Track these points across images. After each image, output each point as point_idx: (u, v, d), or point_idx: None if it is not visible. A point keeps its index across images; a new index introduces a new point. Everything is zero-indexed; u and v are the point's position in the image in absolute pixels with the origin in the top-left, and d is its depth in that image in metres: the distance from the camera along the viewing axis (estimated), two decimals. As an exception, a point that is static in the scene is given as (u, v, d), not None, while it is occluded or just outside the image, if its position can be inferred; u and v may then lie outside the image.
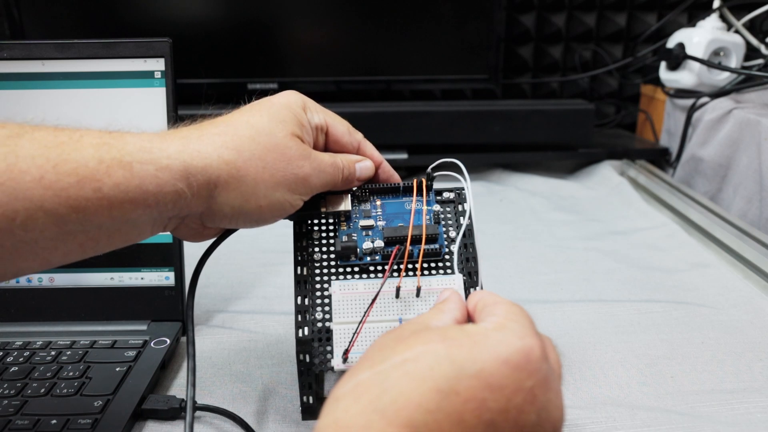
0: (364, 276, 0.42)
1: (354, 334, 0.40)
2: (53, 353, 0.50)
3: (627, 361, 0.53)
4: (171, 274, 0.56)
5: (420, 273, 0.42)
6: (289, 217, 0.43)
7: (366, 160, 0.44)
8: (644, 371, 0.51)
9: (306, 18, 1.05)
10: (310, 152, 0.40)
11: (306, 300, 0.42)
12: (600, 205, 0.94)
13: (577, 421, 0.45)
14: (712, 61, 0.99)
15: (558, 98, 1.26)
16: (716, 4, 1.01)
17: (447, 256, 0.43)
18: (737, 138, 0.90)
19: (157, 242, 0.55)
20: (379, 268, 0.43)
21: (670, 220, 0.85)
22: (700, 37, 0.99)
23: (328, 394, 0.30)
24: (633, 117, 1.25)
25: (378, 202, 0.45)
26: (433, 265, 0.43)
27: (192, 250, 0.51)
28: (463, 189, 0.46)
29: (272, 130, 0.38)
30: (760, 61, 1.02)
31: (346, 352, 0.39)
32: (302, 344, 0.40)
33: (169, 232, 0.40)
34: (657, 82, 1.11)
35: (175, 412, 0.45)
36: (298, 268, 0.43)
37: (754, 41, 1.04)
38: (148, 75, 0.53)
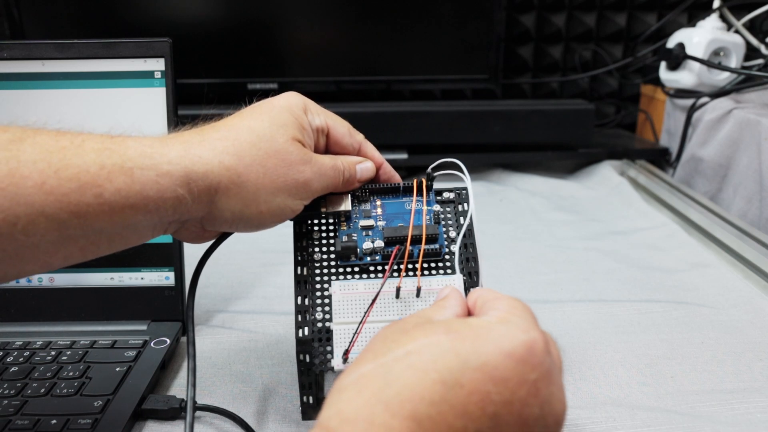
0: (365, 276, 0.42)
1: (354, 334, 0.40)
2: (53, 353, 0.50)
3: (627, 361, 0.53)
4: (171, 274, 0.56)
5: (420, 273, 0.42)
6: (296, 215, 0.43)
7: (367, 161, 0.44)
8: (644, 371, 0.51)
9: (306, 18, 1.05)
10: (310, 156, 0.40)
11: (306, 300, 0.42)
12: (600, 205, 0.94)
13: (577, 421, 0.45)
14: (712, 61, 0.99)
15: (558, 98, 1.26)
16: (716, 4, 1.01)
17: (447, 256, 0.43)
18: (737, 138, 0.90)
19: (157, 242, 0.55)
20: (379, 268, 0.43)
21: (670, 220, 0.85)
22: (700, 37, 0.99)
23: (331, 386, 0.30)
24: (633, 117, 1.25)
25: (378, 202, 0.45)
26: (433, 265, 0.43)
27: (192, 250, 0.51)
28: (463, 189, 0.46)
29: (273, 135, 0.38)
30: (760, 61, 1.02)
31: (346, 353, 0.39)
32: (302, 344, 0.40)
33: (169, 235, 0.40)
34: (657, 82, 1.11)
35: (175, 412, 0.45)
36: (298, 268, 0.43)
37: (754, 41, 1.04)
38: (148, 75, 0.53)
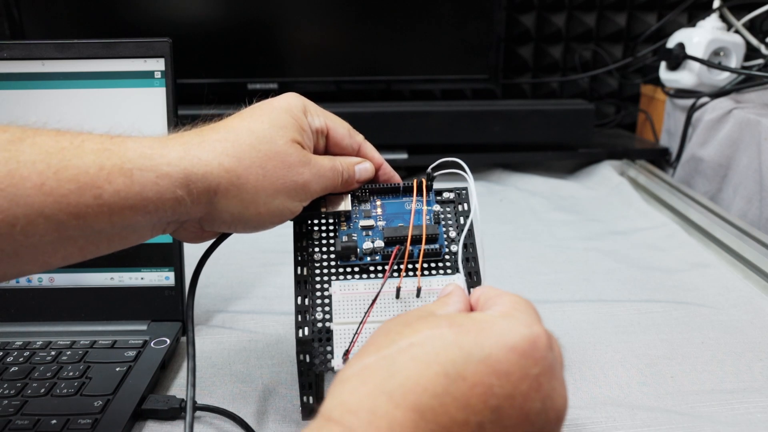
0: (365, 276, 0.42)
1: (354, 334, 0.40)
2: (53, 353, 0.50)
3: (627, 361, 0.53)
4: (171, 274, 0.56)
5: (420, 273, 0.42)
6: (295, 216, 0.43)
7: (365, 162, 0.44)
8: (644, 371, 0.51)
9: (306, 18, 1.05)
10: (309, 158, 0.40)
11: (306, 300, 0.42)
12: (600, 205, 0.94)
13: (577, 421, 0.45)
14: (712, 61, 0.99)
15: (558, 98, 1.26)
16: (716, 4, 1.01)
17: (447, 256, 0.43)
18: (737, 138, 0.90)
19: (157, 242, 0.55)
20: (380, 268, 0.43)
21: (670, 220, 0.85)
22: (700, 37, 0.99)
23: (334, 377, 0.30)
24: (633, 117, 1.25)
25: (378, 202, 0.45)
26: (433, 265, 0.43)
27: (192, 250, 0.51)
28: (462, 189, 0.46)
29: (273, 137, 0.38)
30: (760, 61, 1.02)
31: (346, 353, 0.39)
32: (302, 344, 0.40)
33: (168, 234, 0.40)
34: (657, 82, 1.11)
35: (175, 412, 0.45)
36: (299, 268, 0.43)
37: (754, 41, 1.04)
38: (148, 75, 0.53)
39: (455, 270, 0.43)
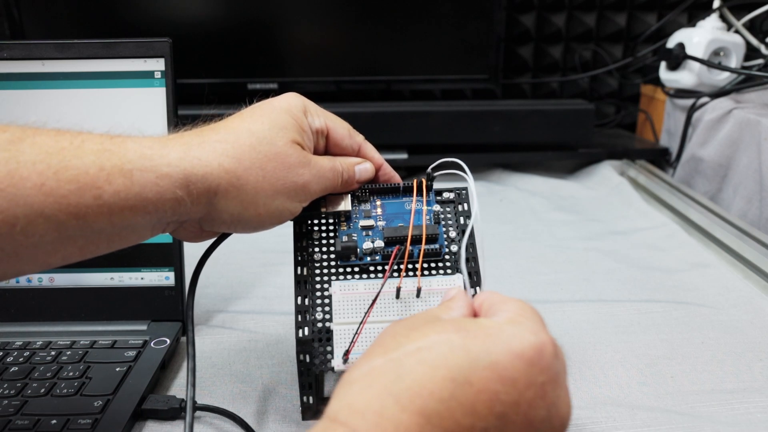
0: (365, 276, 0.42)
1: (354, 334, 0.40)
2: (53, 353, 0.50)
3: (627, 361, 0.53)
4: (171, 274, 0.56)
5: (420, 273, 0.42)
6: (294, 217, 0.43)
7: (365, 162, 0.44)
8: (644, 371, 0.51)
9: (306, 18, 1.05)
10: (309, 159, 0.40)
11: (306, 300, 0.42)
12: (600, 205, 0.94)
13: (577, 421, 0.45)
14: (712, 61, 0.99)
15: (558, 98, 1.26)
16: (716, 4, 1.01)
17: (447, 256, 0.43)
18: (737, 138, 0.90)
19: (157, 242, 0.55)
20: (380, 268, 0.43)
21: (670, 220, 0.85)
22: (700, 37, 0.99)
23: (340, 379, 0.30)
24: (633, 117, 1.25)
25: (378, 202, 0.45)
26: (433, 265, 0.43)
27: (192, 250, 0.51)
28: (462, 189, 0.46)
29: (273, 138, 0.38)
30: (760, 61, 1.02)
31: (346, 353, 0.39)
32: (302, 344, 0.40)
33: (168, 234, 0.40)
34: (657, 82, 1.11)
35: (175, 412, 0.45)
36: (299, 268, 0.43)
37: (754, 41, 1.04)
38: (148, 75, 0.53)
39: (455, 270, 0.43)
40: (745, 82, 1.00)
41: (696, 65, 0.99)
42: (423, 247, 0.42)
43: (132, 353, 0.50)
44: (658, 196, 0.94)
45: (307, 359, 0.40)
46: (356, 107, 1.00)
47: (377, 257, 0.43)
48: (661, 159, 1.10)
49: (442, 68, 1.09)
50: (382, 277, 0.42)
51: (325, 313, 0.41)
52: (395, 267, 0.42)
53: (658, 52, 1.09)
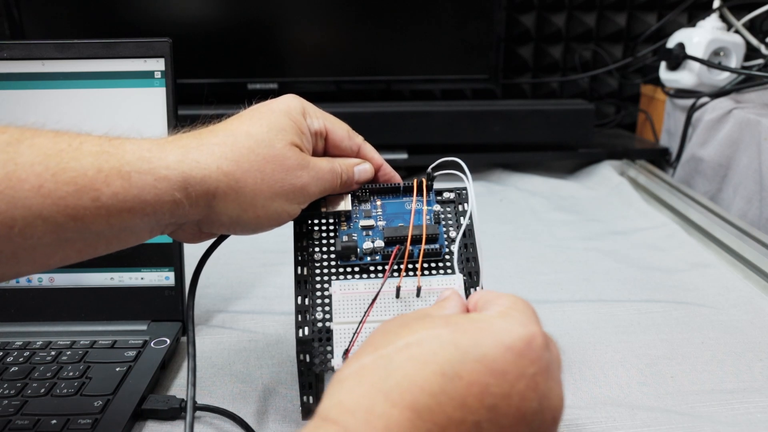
0: (365, 276, 0.42)
1: (354, 334, 0.40)
2: (53, 353, 0.50)
3: (627, 361, 0.53)
4: (171, 274, 0.56)
5: (420, 273, 0.42)
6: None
7: (364, 163, 0.44)
8: (644, 371, 0.51)
9: (306, 18, 1.05)
10: (308, 161, 0.40)
11: (306, 300, 0.42)
12: (600, 205, 0.94)
13: (577, 421, 0.45)
14: (712, 61, 0.99)
15: (558, 98, 1.26)
16: (716, 4, 1.01)
17: (447, 256, 0.43)
18: (737, 138, 0.90)
19: (157, 242, 0.55)
20: (380, 268, 0.43)
21: (670, 220, 0.85)
22: (700, 37, 0.99)
23: (332, 378, 0.30)
24: (633, 117, 1.25)
25: (378, 202, 0.45)
26: (433, 265, 0.43)
27: (192, 250, 0.51)
28: (463, 189, 0.46)
29: (271, 141, 0.38)
30: (760, 61, 1.02)
31: (346, 352, 0.39)
32: (302, 344, 0.40)
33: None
34: (657, 82, 1.11)
35: (175, 412, 0.45)
36: (299, 268, 0.43)
37: (754, 41, 1.04)
38: (148, 75, 0.53)
39: (455, 270, 0.42)
40: (745, 82, 1.00)
41: (696, 65, 0.99)
42: (423, 246, 0.42)
43: (132, 353, 0.50)
44: (658, 196, 0.94)
45: (307, 359, 0.40)
46: (356, 107, 1.00)
47: (377, 257, 0.43)
48: (661, 159, 1.10)
49: (442, 68, 1.09)
50: (382, 277, 0.42)
51: (325, 312, 0.41)
52: (395, 267, 0.42)
53: (658, 52, 1.09)
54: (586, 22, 1.21)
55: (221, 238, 0.44)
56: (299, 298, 0.42)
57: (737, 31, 1.04)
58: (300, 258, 0.43)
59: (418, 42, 1.06)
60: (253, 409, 0.47)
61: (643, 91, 1.21)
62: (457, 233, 0.44)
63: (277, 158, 0.38)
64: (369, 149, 0.45)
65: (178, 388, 0.50)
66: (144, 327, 0.55)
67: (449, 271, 0.43)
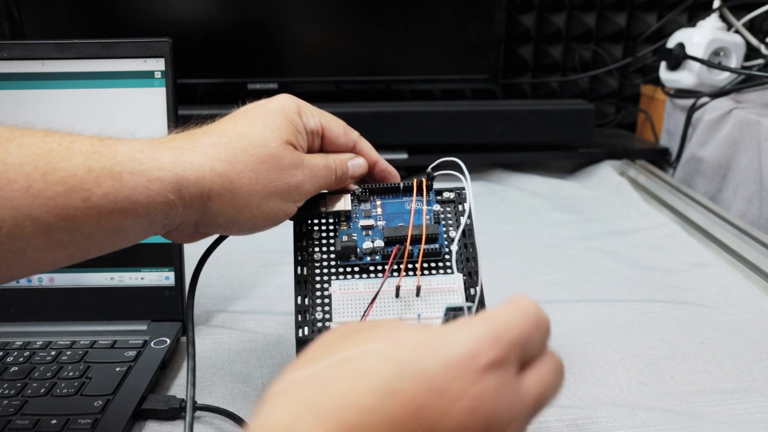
0: (364, 276, 0.42)
1: (354, 334, 0.40)
2: (53, 353, 0.50)
3: (627, 361, 0.53)
4: (171, 274, 0.56)
5: (420, 273, 0.42)
6: (289, 217, 0.43)
7: (358, 157, 0.44)
8: (644, 371, 0.51)
9: (306, 18, 1.05)
10: (302, 159, 0.40)
11: (306, 300, 0.42)
12: (600, 205, 0.94)
13: (577, 421, 0.45)
14: (712, 61, 0.99)
15: (558, 98, 1.26)
16: (716, 4, 1.01)
17: (447, 256, 0.43)
18: (737, 138, 0.90)
19: (157, 242, 0.55)
20: (379, 267, 0.43)
21: (670, 220, 0.85)
22: (700, 37, 0.99)
23: (264, 393, 0.28)
24: (633, 117, 1.25)
25: (378, 202, 0.45)
26: (433, 264, 0.43)
27: (192, 250, 0.51)
28: (463, 189, 0.46)
29: (266, 140, 0.38)
30: (760, 61, 1.02)
31: (346, 352, 0.39)
32: (302, 344, 0.40)
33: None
34: (657, 82, 1.11)
35: (175, 412, 0.45)
36: (298, 268, 0.43)
37: (754, 41, 1.04)
38: (148, 75, 0.53)
39: (455, 269, 0.42)
40: (745, 82, 1.00)
41: (696, 65, 0.99)
42: (423, 246, 0.42)
43: (132, 353, 0.50)
44: (658, 196, 0.94)
45: (307, 359, 0.40)
46: (356, 107, 1.00)
47: (377, 257, 0.43)
48: (661, 159, 1.10)
49: (442, 68, 1.09)
50: (382, 277, 0.42)
51: (324, 312, 0.41)
52: (395, 266, 0.42)
53: (658, 52, 1.09)
54: (586, 22, 1.21)
55: (221, 239, 0.44)
56: (299, 298, 0.42)
57: (737, 31, 1.04)
58: (300, 258, 0.43)
59: (418, 42, 1.06)
60: (253, 409, 0.47)
61: (643, 91, 1.21)
62: (457, 233, 0.44)
63: (272, 158, 0.38)
64: (365, 145, 0.45)
65: (178, 388, 0.50)
66: (144, 327, 0.55)
67: (449, 270, 0.43)
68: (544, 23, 1.21)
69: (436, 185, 0.46)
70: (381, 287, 0.40)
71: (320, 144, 0.43)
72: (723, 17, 1.02)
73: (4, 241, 0.31)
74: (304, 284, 0.42)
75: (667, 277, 0.69)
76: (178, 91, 0.53)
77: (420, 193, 0.45)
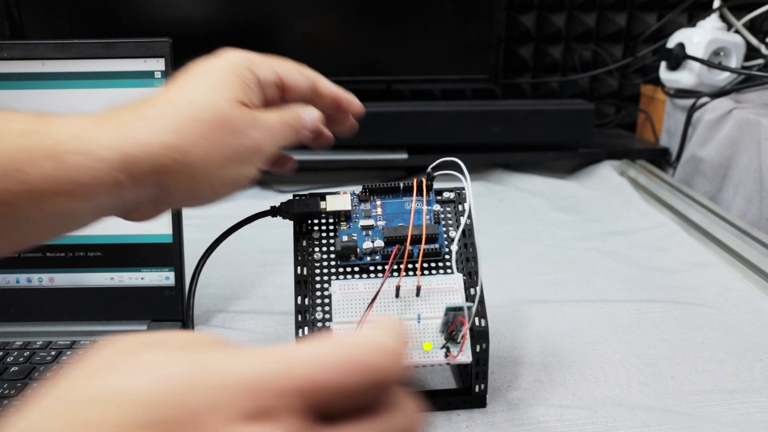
0: (364, 276, 0.42)
1: (354, 334, 0.40)
2: (53, 353, 0.50)
3: (627, 361, 0.53)
4: (171, 274, 0.56)
5: (420, 272, 0.42)
6: (289, 217, 0.43)
7: (308, 107, 0.41)
8: (644, 371, 0.51)
9: (305, 18, 1.05)
10: (256, 117, 0.37)
11: (306, 300, 0.42)
12: (600, 205, 0.94)
13: (577, 421, 0.45)
14: (712, 61, 0.99)
15: (558, 98, 1.26)
16: (716, 4, 1.01)
17: (447, 256, 0.43)
18: (737, 138, 0.90)
19: (157, 242, 0.55)
20: (379, 267, 0.43)
21: (670, 220, 0.85)
22: (700, 37, 0.99)
23: None
24: (633, 117, 1.25)
25: (378, 202, 0.45)
26: (433, 264, 0.43)
27: (192, 250, 0.51)
28: (463, 189, 0.46)
29: (214, 103, 0.35)
30: (760, 61, 1.02)
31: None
32: (302, 344, 0.40)
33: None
34: (657, 82, 1.11)
35: (175, 412, 0.45)
36: (298, 268, 0.43)
37: (754, 41, 1.04)
38: (148, 75, 0.53)
39: (455, 269, 0.43)
40: (745, 82, 1.00)
41: (696, 65, 0.99)
42: (423, 246, 0.42)
43: (132, 353, 0.50)
44: (658, 196, 0.94)
45: (307, 359, 0.40)
46: (356, 107, 1.00)
47: (377, 257, 0.43)
48: (661, 159, 1.10)
49: (442, 68, 1.09)
50: (382, 277, 0.42)
51: (324, 312, 0.41)
52: (395, 266, 0.42)
53: (658, 52, 1.09)
54: (586, 22, 1.21)
55: (221, 238, 0.44)
56: (299, 298, 0.42)
57: (737, 31, 1.04)
58: (300, 258, 0.43)
59: (418, 42, 1.06)
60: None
61: (643, 91, 1.21)
62: (457, 233, 0.44)
63: (223, 121, 0.35)
64: (324, 82, 0.42)
65: (178, 388, 0.50)
66: (144, 327, 0.55)
67: (449, 270, 0.43)
68: (544, 23, 1.21)
69: (436, 185, 0.46)
70: (381, 287, 0.40)
71: (280, 95, 0.41)
72: (723, 17, 1.02)
73: None
74: (304, 284, 0.42)
75: (667, 277, 0.68)
76: (178, 91, 0.53)
77: (420, 193, 0.45)
